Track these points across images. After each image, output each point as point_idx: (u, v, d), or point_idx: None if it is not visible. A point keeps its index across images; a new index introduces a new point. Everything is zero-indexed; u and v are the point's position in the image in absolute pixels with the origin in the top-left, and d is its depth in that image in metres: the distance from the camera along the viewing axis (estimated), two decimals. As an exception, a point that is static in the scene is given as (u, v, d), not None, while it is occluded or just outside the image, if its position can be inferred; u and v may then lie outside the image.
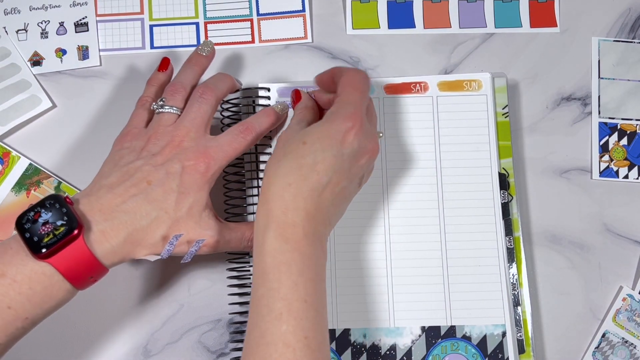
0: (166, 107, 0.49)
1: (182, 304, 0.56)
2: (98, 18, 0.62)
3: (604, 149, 0.59)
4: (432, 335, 0.53)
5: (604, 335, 0.56)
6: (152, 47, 0.61)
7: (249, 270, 0.54)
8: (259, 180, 0.55)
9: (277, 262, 0.41)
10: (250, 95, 0.57)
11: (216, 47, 0.54)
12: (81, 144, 0.59)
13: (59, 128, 0.59)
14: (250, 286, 0.48)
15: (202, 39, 0.61)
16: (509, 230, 0.55)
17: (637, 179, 0.59)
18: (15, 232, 0.42)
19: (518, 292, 0.54)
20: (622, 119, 0.60)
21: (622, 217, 0.58)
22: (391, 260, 0.54)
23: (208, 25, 0.62)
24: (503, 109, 0.57)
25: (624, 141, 0.60)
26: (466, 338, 0.53)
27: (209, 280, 0.56)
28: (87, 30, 0.61)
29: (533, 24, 0.62)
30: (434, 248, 0.54)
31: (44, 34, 0.61)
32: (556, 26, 0.62)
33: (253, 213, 0.54)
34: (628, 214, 0.58)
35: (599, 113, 0.60)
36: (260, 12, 0.62)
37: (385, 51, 0.61)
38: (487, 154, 0.56)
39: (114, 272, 0.46)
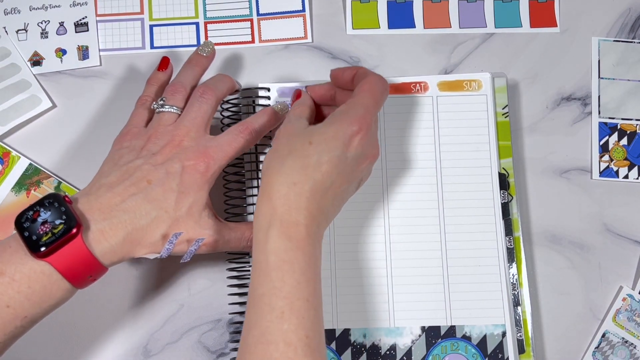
0: (166, 107, 0.49)
1: (182, 304, 0.56)
2: (98, 18, 0.62)
3: (604, 149, 0.59)
4: (432, 335, 0.53)
5: (604, 335, 0.56)
6: (152, 47, 0.61)
7: (249, 270, 0.54)
8: (259, 180, 0.55)
9: (280, 261, 0.41)
10: (250, 95, 0.57)
11: (216, 47, 0.54)
12: (81, 144, 0.59)
13: (59, 128, 0.59)
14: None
15: (202, 39, 0.61)
16: (509, 230, 0.55)
17: (637, 179, 0.59)
18: (14, 231, 0.42)
19: (518, 292, 0.54)
20: (622, 119, 0.60)
21: (622, 217, 0.58)
22: (391, 260, 0.54)
23: (208, 25, 0.62)
24: (503, 109, 0.57)
25: (624, 141, 0.60)
26: (466, 338, 0.53)
27: (209, 280, 0.56)
28: (87, 30, 0.61)
29: (533, 24, 0.62)
30: (434, 248, 0.54)
31: (44, 34, 0.61)
32: (556, 26, 0.62)
33: (253, 213, 0.54)
34: (628, 214, 0.58)
35: (599, 113, 0.60)
36: (260, 12, 0.62)
37: (385, 51, 0.61)
38: (487, 154, 0.56)
39: (114, 272, 0.46)
